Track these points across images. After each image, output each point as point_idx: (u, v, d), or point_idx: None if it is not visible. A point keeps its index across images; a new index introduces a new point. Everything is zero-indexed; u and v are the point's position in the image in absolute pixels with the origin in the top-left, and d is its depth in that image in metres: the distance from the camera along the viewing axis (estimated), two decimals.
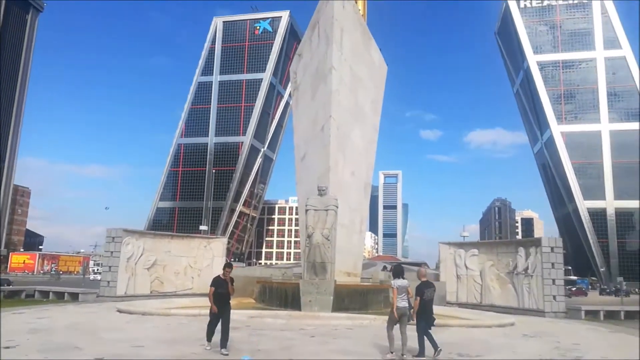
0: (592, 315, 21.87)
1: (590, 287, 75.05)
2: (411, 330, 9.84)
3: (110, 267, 23.21)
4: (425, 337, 9.79)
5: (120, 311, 16.90)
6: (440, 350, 9.58)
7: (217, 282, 10.02)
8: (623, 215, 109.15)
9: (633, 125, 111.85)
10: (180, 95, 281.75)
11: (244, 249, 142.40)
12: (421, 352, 9.69)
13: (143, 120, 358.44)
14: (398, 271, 10.19)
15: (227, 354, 9.29)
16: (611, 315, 22.09)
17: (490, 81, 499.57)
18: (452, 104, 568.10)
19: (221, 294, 9.89)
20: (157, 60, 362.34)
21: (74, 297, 23.96)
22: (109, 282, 23.03)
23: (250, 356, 8.23)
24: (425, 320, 9.82)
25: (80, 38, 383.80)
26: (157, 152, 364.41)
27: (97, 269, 76.54)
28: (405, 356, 9.60)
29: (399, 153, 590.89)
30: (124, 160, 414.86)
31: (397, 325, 9.83)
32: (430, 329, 9.91)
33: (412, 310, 9.83)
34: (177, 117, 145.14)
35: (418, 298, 9.82)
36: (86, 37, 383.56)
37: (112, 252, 23.26)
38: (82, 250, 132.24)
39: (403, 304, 9.79)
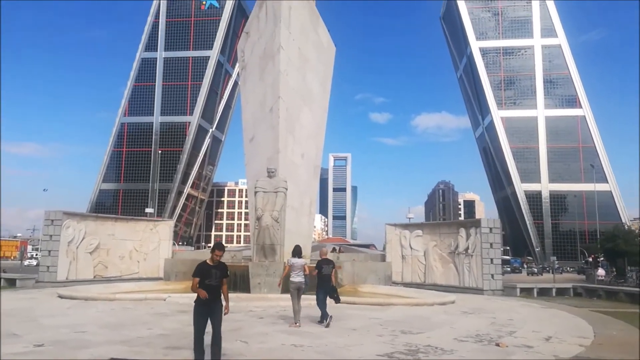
0: (526, 292, 23.23)
1: (525, 266, 79.87)
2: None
3: (49, 251, 22.28)
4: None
5: (61, 297, 16.35)
6: (331, 317, 11.28)
7: (203, 270, 7.10)
8: (556, 198, 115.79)
9: (565, 112, 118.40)
10: (122, 72, 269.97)
11: (192, 232, 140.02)
12: (324, 317, 11.31)
13: (83, 97, 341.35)
14: (296, 251, 11.96)
15: None
16: (544, 293, 23.55)
17: (439, 65, 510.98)
18: (401, 87, 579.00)
19: (209, 286, 7.03)
20: (96, 34, 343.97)
21: (11, 283, 22.83)
22: (48, 267, 22.13)
23: None
24: (323, 291, 11.44)
25: (12, 12, 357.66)
26: (99, 131, 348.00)
27: (36, 254, 72.94)
28: (297, 324, 11.08)
29: (348, 135, 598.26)
30: (63, 139, 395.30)
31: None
32: (337, 301, 11.66)
33: (307, 285, 11.41)
34: (120, 95, 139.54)
35: (316, 270, 11.55)
36: (19, 11, 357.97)
37: (51, 236, 22.33)
38: (19, 235, 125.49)
39: (298, 279, 11.31)
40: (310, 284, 11.67)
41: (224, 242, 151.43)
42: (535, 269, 62.97)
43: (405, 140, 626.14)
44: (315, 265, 11.87)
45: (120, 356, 7.75)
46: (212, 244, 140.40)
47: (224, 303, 7.28)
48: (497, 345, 9.34)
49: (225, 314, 7.29)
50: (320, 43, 26.73)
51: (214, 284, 7.09)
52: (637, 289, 22.43)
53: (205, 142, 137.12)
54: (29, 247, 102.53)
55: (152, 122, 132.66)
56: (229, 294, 7.56)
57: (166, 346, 8.70)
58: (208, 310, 7.06)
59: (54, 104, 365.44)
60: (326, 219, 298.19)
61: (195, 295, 7.06)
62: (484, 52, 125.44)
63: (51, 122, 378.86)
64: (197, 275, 7.08)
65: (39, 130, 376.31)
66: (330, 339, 9.68)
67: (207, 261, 7.21)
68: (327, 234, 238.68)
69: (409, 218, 56.95)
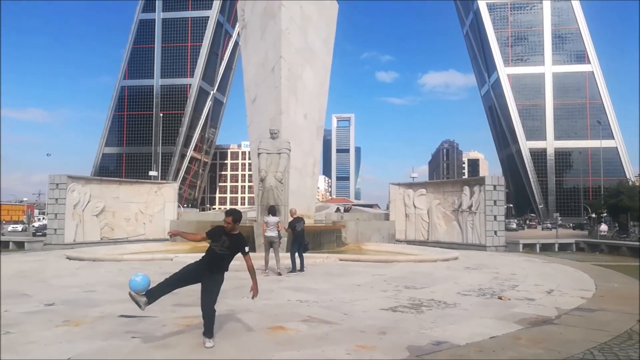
0: (529, 248, 23.46)
1: (527, 222, 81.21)
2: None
3: (56, 214, 22.56)
4: (297, 258, 13.25)
5: (69, 258, 16.60)
6: (304, 270, 13.14)
7: (214, 232, 6.18)
8: (561, 155, 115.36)
9: (574, 68, 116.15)
10: (121, 34, 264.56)
11: (196, 194, 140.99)
12: (293, 269, 13.16)
13: (83, 61, 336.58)
14: (270, 210, 13.79)
15: (211, 346, 5.91)
16: (546, 248, 23.76)
17: (448, 21, 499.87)
18: (409, 45, 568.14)
19: (212, 251, 6.15)
20: None
21: (20, 245, 23.22)
22: (55, 229, 22.45)
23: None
24: (297, 245, 13.31)
25: None
26: (100, 95, 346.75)
27: (43, 218, 73.85)
28: (279, 270, 12.70)
29: (352, 96, 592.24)
30: (65, 104, 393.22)
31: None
32: (304, 252, 13.47)
33: (281, 239, 13.28)
34: (119, 58, 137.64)
35: (290, 229, 13.57)
36: None
37: (57, 199, 22.54)
38: (25, 199, 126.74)
39: (271, 234, 12.94)
40: (288, 239, 13.49)
41: (228, 204, 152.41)
42: (550, 225, 67.50)
43: (411, 100, 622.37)
44: (289, 224, 13.83)
45: (129, 314, 7.90)
46: (216, 207, 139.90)
47: (220, 277, 6.40)
48: (500, 298, 9.46)
49: (252, 297, 6.51)
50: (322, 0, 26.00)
51: (218, 251, 6.08)
52: (638, 243, 22.59)
53: (206, 105, 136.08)
54: (36, 211, 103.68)
55: (153, 85, 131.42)
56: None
57: (175, 303, 8.83)
58: (200, 275, 6.13)
59: (58, 70, 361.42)
60: (330, 180, 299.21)
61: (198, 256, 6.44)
62: (491, 7, 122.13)
63: (53, 87, 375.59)
64: (207, 234, 6.26)
65: (43, 97, 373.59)
66: (335, 294, 9.83)
67: (224, 226, 6.23)
68: (330, 195, 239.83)
69: (413, 177, 57.01)
